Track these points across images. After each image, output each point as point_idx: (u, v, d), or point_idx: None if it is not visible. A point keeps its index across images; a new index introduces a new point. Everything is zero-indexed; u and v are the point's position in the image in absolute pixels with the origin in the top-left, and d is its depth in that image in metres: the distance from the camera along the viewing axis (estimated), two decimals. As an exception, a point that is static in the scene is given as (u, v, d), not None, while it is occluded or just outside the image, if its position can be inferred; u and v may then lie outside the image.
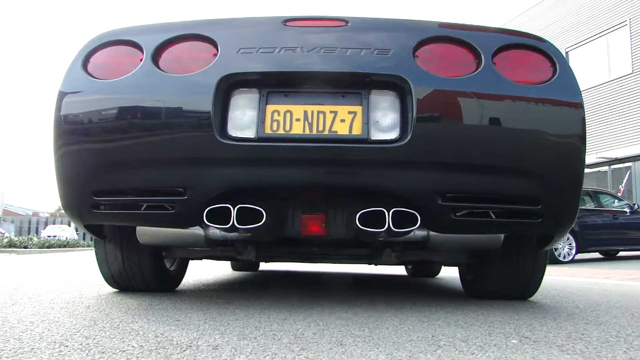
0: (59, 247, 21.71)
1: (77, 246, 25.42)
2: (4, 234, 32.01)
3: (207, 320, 2.14)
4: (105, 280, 3.13)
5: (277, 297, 2.97)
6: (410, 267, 5.85)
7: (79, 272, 5.43)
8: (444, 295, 3.32)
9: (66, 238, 31.59)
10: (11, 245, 18.43)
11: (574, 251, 10.90)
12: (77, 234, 43.31)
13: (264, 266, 7.57)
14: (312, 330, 1.97)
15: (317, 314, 2.35)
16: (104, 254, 3.02)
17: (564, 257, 10.83)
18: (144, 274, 3.05)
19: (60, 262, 9.09)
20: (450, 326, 2.12)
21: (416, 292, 3.58)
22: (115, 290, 3.25)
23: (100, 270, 3.08)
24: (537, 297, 3.45)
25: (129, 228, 2.82)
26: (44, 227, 45.96)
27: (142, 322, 2.09)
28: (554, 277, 6.29)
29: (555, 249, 10.80)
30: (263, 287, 3.73)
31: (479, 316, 2.40)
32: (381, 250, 2.84)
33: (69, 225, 45.67)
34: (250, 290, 3.39)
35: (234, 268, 6.44)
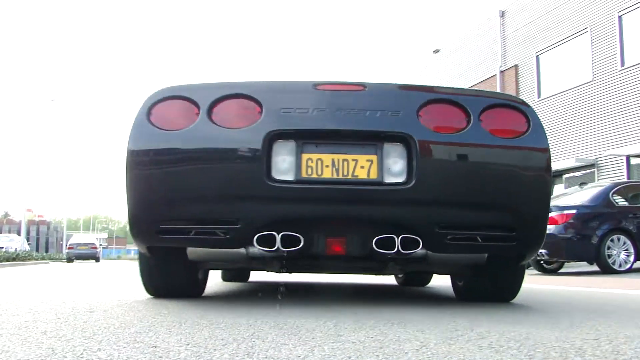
0: (7, 261, 21.77)
1: (29, 259, 25.48)
2: None
3: (190, 346, 2.15)
4: (146, 288, 4.23)
5: (272, 315, 2.98)
6: (400, 276, 7.24)
7: (32, 290, 5.45)
8: (469, 310, 3.32)
9: (15, 249, 31.59)
10: (-50, 258, 18.46)
11: (632, 258, 10.92)
12: (28, 244, 43.29)
13: (254, 276, 7.69)
14: (315, 358, 1.98)
15: (320, 337, 2.36)
16: (148, 266, 4.10)
17: (620, 266, 10.84)
18: (182, 283, 4.21)
19: (8, 278, 9.12)
20: (483, 350, 2.13)
21: (435, 305, 3.59)
22: (80, 310, 3.27)
23: (142, 280, 4.17)
24: (588, 314, 3.45)
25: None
26: (-11, 237, 46.00)
27: (110, 349, 2.10)
28: (608, 290, 6.30)
29: (609, 256, 10.82)
30: (256, 302, 3.74)
31: (517, 337, 2.41)
32: (386, 264, 3.82)
33: (19, 234, 45.67)
34: (241, 307, 3.40)
35: (224, 279, 7.48)
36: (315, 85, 3.53)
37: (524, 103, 3.64)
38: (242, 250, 3.54)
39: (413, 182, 3.35)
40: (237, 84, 3.56)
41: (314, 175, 3.36)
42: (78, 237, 44.56)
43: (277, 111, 3.44)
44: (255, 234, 3.31)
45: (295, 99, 3.49)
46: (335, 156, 3.39)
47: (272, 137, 3.39)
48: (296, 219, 3.37)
